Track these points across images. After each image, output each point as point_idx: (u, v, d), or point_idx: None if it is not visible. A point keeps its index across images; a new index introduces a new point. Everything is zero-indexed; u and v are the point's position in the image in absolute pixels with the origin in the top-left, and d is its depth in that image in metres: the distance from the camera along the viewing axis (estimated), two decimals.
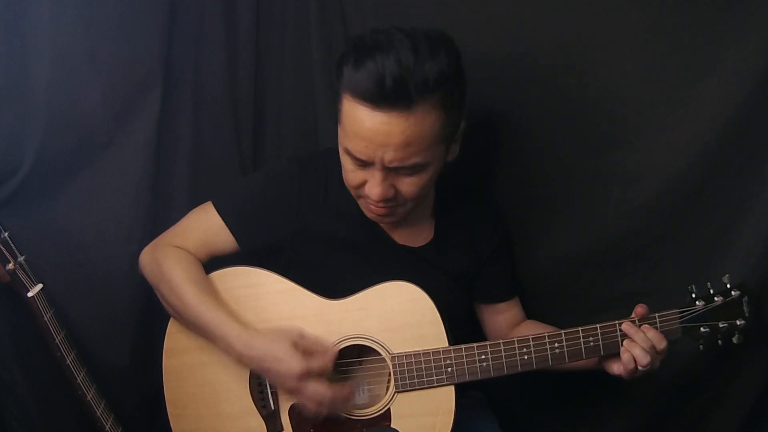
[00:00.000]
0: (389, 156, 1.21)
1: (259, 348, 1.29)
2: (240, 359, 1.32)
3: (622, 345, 1.27)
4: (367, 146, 1.21)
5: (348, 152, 1.25)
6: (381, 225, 1.42)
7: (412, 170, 1.25)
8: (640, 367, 1.25)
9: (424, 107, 1.19)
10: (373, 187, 1.26)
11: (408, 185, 1.27)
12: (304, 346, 1.29)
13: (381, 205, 1.29)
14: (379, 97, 1.17)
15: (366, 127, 1.20)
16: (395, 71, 1.16)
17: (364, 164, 1.25)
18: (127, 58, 1.44)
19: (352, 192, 1.34)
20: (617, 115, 1.45)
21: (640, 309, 1.29)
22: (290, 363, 1.26)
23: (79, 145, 1.43)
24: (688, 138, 1.39)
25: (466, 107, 1.30)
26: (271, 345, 1.28)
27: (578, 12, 1.43)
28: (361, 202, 1.35)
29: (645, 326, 1.27)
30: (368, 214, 1.36)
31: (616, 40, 1.41)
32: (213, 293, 1.37)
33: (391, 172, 1.25)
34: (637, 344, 1.25)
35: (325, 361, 1.28)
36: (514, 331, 1.52)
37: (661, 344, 1.26)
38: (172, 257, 1.39)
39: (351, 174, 1.29)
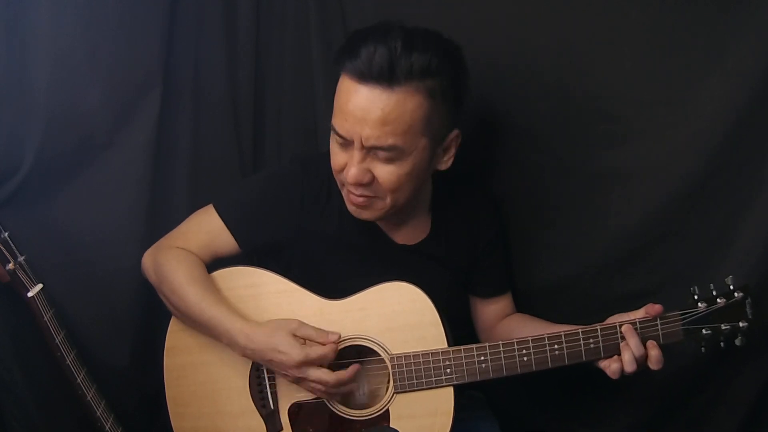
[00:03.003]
0: (366, 132, 1.23)
1: (260, 340, 1.30)
2: (244, 353, 1.33)
3: None
4: (347, 120, 1.24)
5: (333, 129, 1.27)
6: (380, 225, 1.42)
7: (389, 155, 1.25)
8: (624, 373, 1.26)
9: (407, 89, 1.22)
10: (351, 168, 1.26)
11: (385, 173, 1.27)
12: (303, 335, 1.30)
13: (359, 192, 1.29)
14: (365, 71, 1.21)
15: (349, 101, 1.23)
16: (385, 52, 1.20)
17: (345, 143, 1.27)
18: (127, 58, 1.44)
19: (338, 180, 1.34)
20: (617, 115, 1.44)
21: (658, 307, 1.26)
22: (290, 352, 1.27)
23: (79, 145, 1.43)
24: (688, 138, 1.39)
25: (459, 114, 1.31)
26: (271, 336, 1.30)
27: (578, 12, 1.42)
28: (344, 193, 1.35)
29: (650, 342, 1.25)
30: (349, 208, 1.35)
31: (616, 40, 1.41)
32: (215, 291, 1.37)
33: (369, 154, 1.26)
34: (630, 349, 1.24)
35: (326, 350, 1.29)
36: (502, 323, 1.52)
37: (657, 365, 1.25)
38: (174, 258, 1.39)
39: (335, 157, 1.30)
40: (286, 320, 1.33)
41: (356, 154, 1.26)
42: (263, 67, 1.66)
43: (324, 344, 1.30)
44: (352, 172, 1.26)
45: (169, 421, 1.44)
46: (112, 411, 1.48)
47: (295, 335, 1.30)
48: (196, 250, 1.41)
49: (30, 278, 1.37)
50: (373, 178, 1.27)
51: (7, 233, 1.34)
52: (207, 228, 1.42)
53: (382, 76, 1.20)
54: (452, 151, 1.35)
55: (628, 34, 1.40)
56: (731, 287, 1.26)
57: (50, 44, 1.34)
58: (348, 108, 1.23)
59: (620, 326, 1.26)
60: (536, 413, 1.70)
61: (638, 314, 1.28)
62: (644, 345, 1.26)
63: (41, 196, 1.42)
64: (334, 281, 1.38)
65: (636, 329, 1.26)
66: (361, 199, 1.31)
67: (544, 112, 1.50)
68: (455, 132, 1.33)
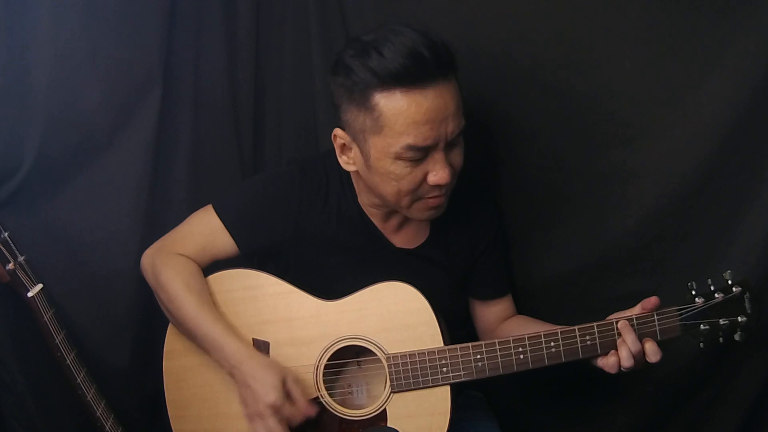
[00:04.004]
0: (451, 127, 1.22)
1: (251, 368, 1.30)
2: (230, 372, 1.33)
3: None
4: (432, 128, 1.21)
5: (409, 149, 1.22)
6: (379, 228, 1.42)
7: (460, 138, 1.26)
8: (622, 368, 1.25)
9: (452, 73, 1.23)
10: (440, 171, 1.25)
11: (456, 156, 1.28)
12: (290, 389, 1.30)
13: (443, 191, 1.29)
14: (422, 72, 1.18)
15: (424, 110, 1.19)
16: (424, 41, 1.18)
17: (424, 155, 1.23)
18: (127, 58, 1.44)
19: (407, 200, 1.30)
20: (617, 115, 1.45)
21: (653, 299, 1.26)
22: (270, 392, 1.27)
23: (79, 145, 1.43)
24: (688, 138, 1.39)
25: None
26: (264, 370, 1.30)
27: (578, 11, 1.42)
28: (417, 206, 1.31)
29: (647, 339, 1.25)
30: (425, 215, 1.33)
31: (616, 39, 1.41)
32: (211, 305, 1.38)
33: (447, 147, 1.25)
34: (626, 345, 1.24)
35: (297, 413, 1.29)
36: (503, 325, 1.52)
37: (654, 357, 1.24)
38: (172, 267, 1.39)
39: (407, 179, 1.26)
40: (285, 367, 1.33)
41: (440, 156, 1.24)
42: (263, 67, 1.66)
43: (300, 409, 1.29)
44: (446, 173, 1.24)
45: (169, 424, 1.44)
46: (112, 411, 1.48)
47: (284, 383, 1.29)
48: (194, 253, 1.41)
49: (30, 278, 1.37)
50: (454, 171, 1.28)
51: (7, 233, 1.35)
52: (206, 229, 1.42)
53: (438, 67, 1.19)
54: None
55: (628, 34, 1.40)
56: (729, 282, 1.25)
57: (50, 44, 1.34)
58: (425, 117, 1.19)
59: (617, 323, 1.26)
60: (536, 413, 1.70)
61: (635, 311, 1.27)
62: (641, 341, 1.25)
63: (41, 196, 1.42)
64: (332, 283, 1.38)
65: (633, 325, 1.25)
66: (443, 198, 1.30)
67: (545, 112, 1.50)
68: None
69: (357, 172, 1.34)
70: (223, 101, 1.62)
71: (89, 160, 1.46)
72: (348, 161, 1.33)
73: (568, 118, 1.47)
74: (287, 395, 1.29)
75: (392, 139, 1.22)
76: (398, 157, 1.23)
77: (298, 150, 1.68)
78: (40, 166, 1.37)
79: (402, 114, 1.20)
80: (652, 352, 1.24)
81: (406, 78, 1.18)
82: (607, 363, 1.26)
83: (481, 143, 1.57)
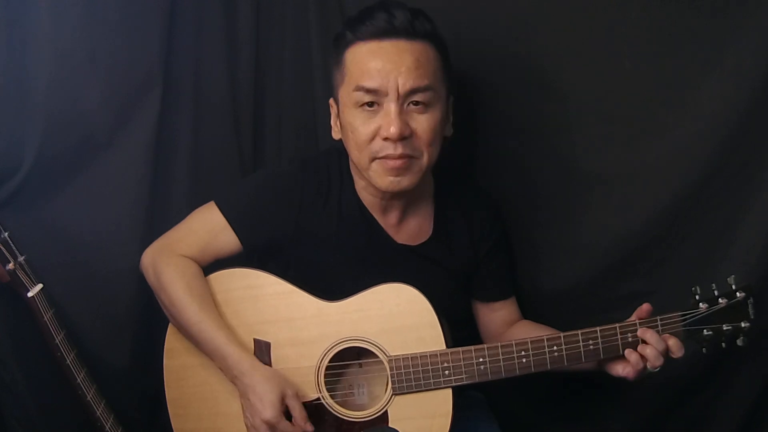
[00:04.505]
0: (402, 77, 1.26)
1: (252, 380, 1.31)
2: (232, 378, 1.35)
3: (622, 348, 1.26)
4: (380, 73, 1.26)
5: (359, 89, 1.28)
6: (381, 224, 1.42)
7: (426, 99, 1.29)
8: (650, 368, 1.25)
9: (425, 43, 1.30)
10: (389, 125, 1.27)
11: (423, 124, 1.30)
12: (289, 404, 1.31)
13: (399, 152, 1.28)
14: (388, 29, 1.27)
15: (375, 58, 1.28)
16: (400, 10, 1.28)
17: (376, 100, 1.28)
18: (127, 58, 1.44)
19: (365, 157, 1.32)
20: (617, 115, 1.45)
21: (646, 307, 1.27)
22: (267, 409, 1.29)
23: (79, 145, 1.43)
24: (688, 138, 1.39)
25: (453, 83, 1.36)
26: (264, 384, 1.31)
27: (578, 12, 1.42)
28: (375, 167, 1.32)
29: (665, 335, 1.25)
30: (385, 181, 1.32)
31: (616, 39, 1.41)
32: (214, 309, 1.38)
33: (405, 108, 1.28)
34: (651, 346, 1.24)
35: (293, 430, 1.31)
36: (509, 331, 1.51)
37: (679, 352, 1.24)
38: (174, 269, 1.39)
39: (362, 128, 1.30)
40: (287, 381, 1.34)
41: (393, 108, 1.27)
42: (263, 67, 1.66)
43: (297, 428, 1.31)
44: (394, 127, 1.26)
45: (170, 422, 1.45)
46: (112, 411, 1.48)
47: (284, 399, 1.31)
48: (196, 251, 1.41)
49: (30, 278, 1.36)
50: (412, 133, 1.29)
51: (7, 233, 1.34)
52: (209, 225, 1.42)
53: (407, 31, 1.27)
54: (451, 118, 1.38)
55: (628, 34, 1.40)
56: (733, 287, 1.26)
57: (50, 44, 1.34)
58: (375, 65, 1.27)
59: (620, 327, 1.26)
60: (536, 414, 1.70)
61: (631, 321, 1.27)
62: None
63: (41, 196, 1.42)
64: (333, 280, 1.38)
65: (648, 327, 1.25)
66: (400, 161, 1.30)
67: (544, 112, 1.50)
68: (451, 98, 1.37)
69: (346, 150, 1.38)
70: (223, 101, 1.62)
71: (89, 160, 1.46)
72: (336, 130, 1.39)
73: (568, 118, 1.47)
74: (287, 410, 1.31)
75: (349, 86, 1.31)
76: (354, 104, 1.30)
77: (298, 150, 1.67)
78: (40, 166, 1.37)
79: (358, 61, 1.30)
80: (677, 347, 1.24)
81: (370, 30, 1.28)
82: (629, 364, 1.26)
83: (481, 145, 1.58)
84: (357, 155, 1.33)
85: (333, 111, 1.39)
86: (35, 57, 1.34)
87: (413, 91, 1.27)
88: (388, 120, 1.27)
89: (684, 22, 1.36)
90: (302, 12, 1.60)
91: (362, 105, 1.29)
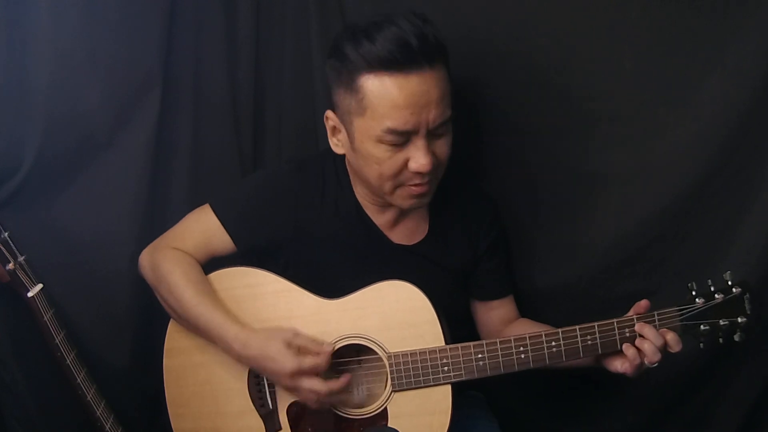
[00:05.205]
0: (433, 114, 1.24)
1: (255, 347, 1.30)
2: (239, 359, 1.34)
3: (620, 343, 1.26)
4: (413, 112, 1.22)
5: (389, 132, 1.24)
6: (377, 224, 1.42)
7: (446, 128, 1.27)
8: (648, 364, 1.25)
9: (440, 63, 1.25)
10: (420, 158, 1.25)
11: (442, 147, 1.29)
12: (298, 345, 1.30)
13: (426, 179, 1.29)
14: (408, 59, 1.20)
15: (406, 94, 1.21)
16: (415, 30, 1.20)
17: (406, 139, 1.25)
18: (127, 58, 1.44)
19: (389, 185, 1.31)
20: (617, 115, 1.44)
21: (643, 303, 1.27)
22: (283, 362, 1.27)
23: (79, 145, 1.43)
24: (688, 138, 1.39)
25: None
26: (266, 344, 1.30)
27: (578, 11, 1.42)
28: (399, 192, 1.32)
29: (664, 329, 1.25)
30: (407, 203, 1.34)
31: (616, 40, 1.41)
32: (211, 294, 1.37)
33: (430, 136, 1.26)
34: (649, 341, 1.23)
35: (318, 360, 1.29)
36: (507, 329, 1.51)
37: (677, 347, 1.24)
38: (171, 259, 1.39)
39: (388, 163, 1.27)
40: (281, 329, 1.33)
41: (422, 143, 1.25)
42: (263, 67, 1.66)
43: (318, 354, 1.30)
44: (426, 161, 1.25)
45: (169, 422, 1.45)
46: (112, 411, 1.48)
47: (289, 344, 1.29)
48: (192, 250, 1.41)
49: (30, 278, 1.37)
50: (435, 158, 1.28)
51: (7, 233, 1.34)
52: (204, 227, 1.42)
53: (425, 56, 1.21)
54: None
55: (628, 34, 1.40)
56: (729, 283, 1.26)
57: (50, 44, 1.34)
58: (406, 101, 1.22)
59: (618, 322, 1.26)
60: (536, 413, 1.70)
61: (628, 316, 1.27)
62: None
63: (41, 196, 1.42)
64: (331, 280, 1.38)
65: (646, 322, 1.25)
66: (426, 187, 1.31)
67: (544, 112, 1.50)
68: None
69: (345, 156, 1.37)
70: (223, 101, 1.62)
71: (89, 160, 1.46)
72: (337, 143, 1.36)
73: (568, 118, 1.47)
74: (299, 351, 1.29)
75: (374, 121, 1.24)
76: (380, 140, 1.25)
77: (298, 150, 1.68)
78: (40, 166, 1.37)
79: (384, 97, 1.22)
80: (675, 342, 1.24)
81: (392, 63, 1.21)
82: (626, 359, 1.25)
83: (481, 144, 1.58)
84: (378, 183, 1.31)
85: (330, 124, 1.35)
86: (35, 57, 1.34)
87: (440, 125, 1.26)
88: (418, 155, 1.25)
89: (684, 22, 1.35)
90: (302, 12, 1.60)
91: (389, 141, 1.26)
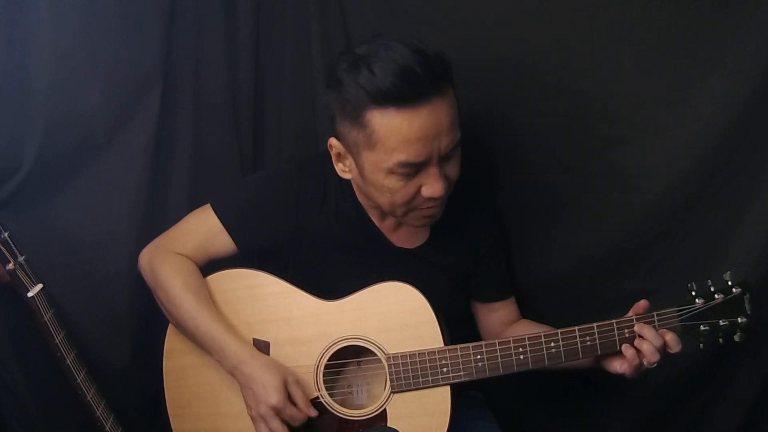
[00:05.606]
0: (444, 143, 1.22)
1: (253, 369, 1.31)
2: (231, 371, 1.34)
3: (619, 344, 1.26)
4: (425, 145, 1.20)
5: (401, 165, 1.22)
6: (378, 227, 1.42)
7: (456, 150, 1.26)
8: (646, 364, 1.24)
9: (447, 85, 1.22)
10: (434, 185, 1.24)
11: (452, 167, 1.28)
12: (291, 391, 1.31)
13: (438, 202, 1.29)
14: (415, 91, 1.17)
15: (417, 128, 1.19)
16: (417, 59, 1.16)
17: (417, 170, 1.23)
18: (127, 58, 1.44)
19: (401, 210, 1.30)
20: (617, 115, 1.44)
21: (643, 303, 1.27)
22: (271, 394, 1.28)
23: (79, 145, 1.43)
24: (688, 138, 1.38)
25: None
26: (264, 371, 1.31)
27: (578, 12, 1.42)
28: (412, 215, 1.32)
29: (662, 330, 1.25)
30: (418, 223, 1.35)
31: (616, 40, 1.41)
32: (210, 304, 1.38)
33: (441, 160, 1.25)
34: (648, 342, 1.23)
35: (298, 415, 1.30)
36: (508, 330, 1.51)
37: (676, 347, 1.24)
38: (169, 266, 1.39)
39: (401, 192, 1.26)
40: (286, 367, 1.34)
41: (434, 171, 1.24)
42: (263, 67, 1.66)
43: (301, 410, 1.31)
44: (440, 187, 1.24)
45: (169, 422, 1.45)
46: (112, 411, 1.48)
47: (286, 385, 1.31)
48: (192, 251, 1.42)
49: (30, 278, 1.37)
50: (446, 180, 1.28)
51: (7, 233, 1.35)
52: (204, 228, 1.42)
53: (432, 85, 1.18)
54: None
55: (628, 34, 1.39)
56: (729, 283, 1.25)
57: (50, 44, 1.34)
58: (418, 135, 1.19)
59: (617, 323, 1.25)
60: (535, 413, 1.70)
61: (628, 316, 1.27)
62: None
63: (41, 196, 1.42)
64: (330, 282, 1.38)
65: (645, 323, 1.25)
66: (438, 208, 1.31)
67: (544, 112, 1.50)
68: None
69: (352, 180, 1.36)
70: (223, 101, 1.62)
71: (89, 160, 1.46)
72: (344, 169, 1.34)
73: (568, 118, 1.47)
74: (288, 396, 1.30)
75: (385, 155, 1.22)
76: (391, 172, 1.24)
77: (298, 150, 1.68)
78: (40, 166, 1.37)
79: (394, 132, 1.20)
80: (674, 342, 1.24)
81: (398, 97, 1.17)
82: (625, 359, 1.25)
83: (481, 145, 1.57)
84: (390, 209, 1.31)
85: (335, 151, 1.32)
86: (35, 57, 1.34)
87: (451, 149, 1.25)
88: (431, 181, 1.24)
89: (684, 22, 1.35)
90: (302, 12, 1.61)
91: (401, 173, 1.24)
